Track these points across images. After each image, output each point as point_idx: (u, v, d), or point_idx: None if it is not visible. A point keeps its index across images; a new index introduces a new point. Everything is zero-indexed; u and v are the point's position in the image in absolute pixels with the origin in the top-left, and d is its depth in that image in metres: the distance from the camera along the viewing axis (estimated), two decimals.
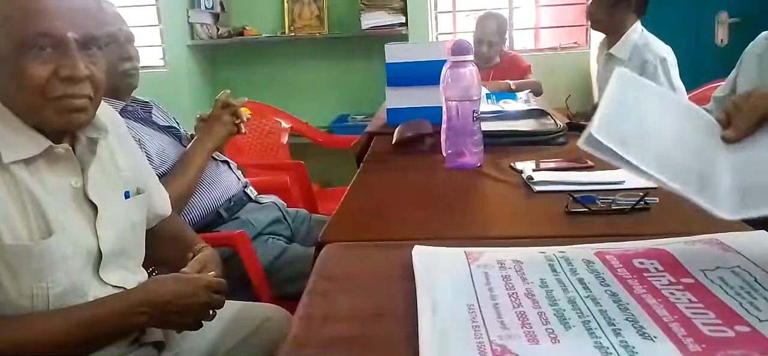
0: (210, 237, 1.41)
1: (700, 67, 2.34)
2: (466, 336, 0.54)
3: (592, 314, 0.57)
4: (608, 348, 0.51)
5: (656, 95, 0.77)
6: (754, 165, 0.67)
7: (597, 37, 3.28)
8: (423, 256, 0.75)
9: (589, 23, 2.43)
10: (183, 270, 1.04)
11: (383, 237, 0.95)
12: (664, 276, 0.64)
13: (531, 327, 0.55)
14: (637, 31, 2.36)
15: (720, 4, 3.11)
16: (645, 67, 2.27)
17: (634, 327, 0.54)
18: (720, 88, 2.06)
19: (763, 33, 1.89)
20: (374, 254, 0.86)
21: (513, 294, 0.62)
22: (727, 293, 0.59)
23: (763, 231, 0.75)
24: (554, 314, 0.57)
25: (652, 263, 0.67)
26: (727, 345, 0.50)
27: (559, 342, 0.53)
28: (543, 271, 0.67)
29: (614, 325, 0.55)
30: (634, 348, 0.50)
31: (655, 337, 0.52)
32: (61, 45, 0.89)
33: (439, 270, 0.69)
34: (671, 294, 0.60)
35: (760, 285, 0.60)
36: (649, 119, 0.69)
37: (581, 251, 0.71)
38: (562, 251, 0.72)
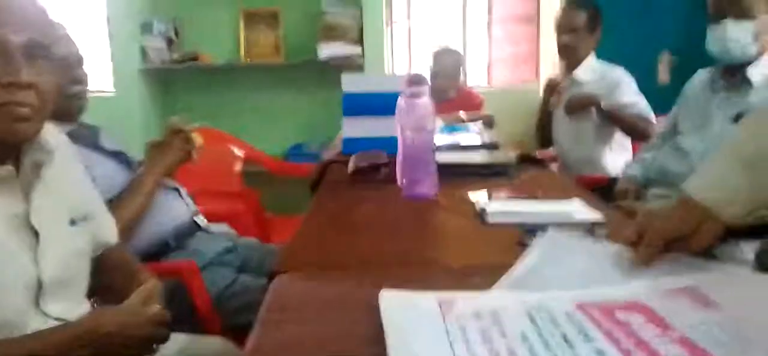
0: (156, 267, 1.36)
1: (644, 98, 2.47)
2: None
3: None
4: None
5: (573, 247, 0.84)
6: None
7: (545, 74, 3.40)
8: (392, 303, 0.70)
9: (561, 53, 2.54)
10: (126, 301, 1.00)
11: (338, 267, 0.94)
12: (649, 328, 0.62)
13: None
14: (594, 57, 2.52)
15: (662, 45, 3.27)
16: (614, 82, 2.40)
17: None
18: (663, 122, 2.15)
19: (700, 70, 2.00)
20: (328, 284, 0.85)
21: (492, 351, 0.59)
22: (717, 347, 0.58)
23: (743, 271, 0.76)
24: None
25: (635, 319, 0.65)
26: None
27: None
28: (522, 324, 0.64)
29: None
30: None
31: None
32: (3, 50, 0.85)
33: (410, 324, 0.65)
34: (660, 347, 0.58)
35: (746, 336, 0.59)
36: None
37: (560, 303, 0.69)
38: (540, 301, 0.69)
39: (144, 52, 3.40)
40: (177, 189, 1.68)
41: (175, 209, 1.62)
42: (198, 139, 1.64)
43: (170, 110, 3.36)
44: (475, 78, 3.82)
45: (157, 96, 3.54)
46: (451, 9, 3.75)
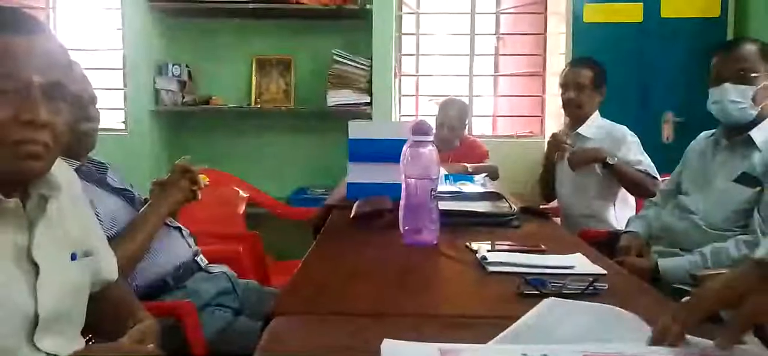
0: (155, 306, 1.36)
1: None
2: None
3: None
4: None
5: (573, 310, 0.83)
6: None
7: (551, 127, 3.42)
8: (394, 353, 0.69)
9: (567, 109, 2.58)
10: (121, 339, 0.99)
11: (336, 311, 0.93)
12: None
13: None
14: (598, 114, 2.55)
15: (666, 106, 3.30)
16: (619, 139, 2.43)
17: None
18: (666, 182, 2.16)
19: (704, 133, 2.02)
20: (325, 328, 0.85)
21: None
22: None
23: (751, 342, 0.74)
24: None
25: None
26: None
27: None
28: None
29: None
30: None
31: None
32: (25, 89, 0.87)
33: None
34: None
35: None
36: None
37: (567, 354, 0.69)
38: (545, 354, 0.69)
39: (157, 94, 3.46)
40: (179, 228, 1.69)
41: (176, 248, 1.62)
42: (204, 179, 1.66)
43: (180, 150, 3.38)
44: (480, 129, 3.85)
45: (168, 137, 3.58)
46: (458, 61, 3.81)
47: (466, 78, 3.80)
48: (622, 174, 2.36)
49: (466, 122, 3.28)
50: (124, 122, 3.55)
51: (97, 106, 1.53)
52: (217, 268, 1.70)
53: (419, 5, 3.84)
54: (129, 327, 1.03)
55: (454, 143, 3.12)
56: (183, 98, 3.47)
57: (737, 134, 1.83)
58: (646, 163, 2.36)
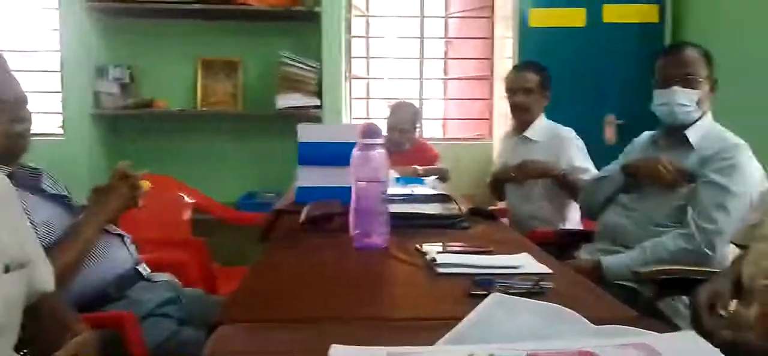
0: (94, 317, 1.30)
1: (592, 162, 2.56)
2: None
3: None
4: None
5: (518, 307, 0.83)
6: None
7: (499, 130, 3.49)
8: None
9: (514, 112, 2.63)
10: (57, 353, 0.95)
11: (283, 318, 0.91)
12: None
13: None
14: (544, 117, 2.62)
15: (608, 108, 3.41)
16: (564, 141, 2.50)
17: None
18: (603, 170, 2.21)
19: (644, 133, 2.10)
20: (272, 335, 0.83)
21: None
22: None
23: (690, 332, 0.76)
24: None
25: None
26: None
27: None
28: None
29: None
30: None
31: None
32: None
33: None
34: None
35: None
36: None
37: (512, 353, 0.69)
38: (492, 353, 0.69)
39: (97, 97, 3.33)
40: (121, 236, 1.63)
41: (117, 256, 1.56)
42: (146, 184, 1.60)
43: (121, 155, 3.26)
44: (430, 132, 3.88)
45: (109, 141, 3.45)
46: (408, 65, 3.83)
47: (417, 81, 3.82)
48: (571, 186, 2.42)
49: (417, 124, 3.30)
50: (61, 127, 3.40)
51: (28, 107, 1.45)
52: (160, 277, 1.65)
53: (369, 8, 3.84)
54: (65, 340, 0.98)
55: (405, 145, 3.13)
56: (124, 100, 3.36)
57: (675, 133, 1.91)
58: (592, 171, 2.43)
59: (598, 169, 2.40)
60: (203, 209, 2.93)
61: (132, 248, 1.65)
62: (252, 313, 0.94)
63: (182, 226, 2.78)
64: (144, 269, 1.63)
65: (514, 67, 2.78)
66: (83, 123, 3.28)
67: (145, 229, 2.47)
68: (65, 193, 1.58)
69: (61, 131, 3.39)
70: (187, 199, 2.86)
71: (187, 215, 2.83)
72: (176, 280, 1.68)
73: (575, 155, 2.48)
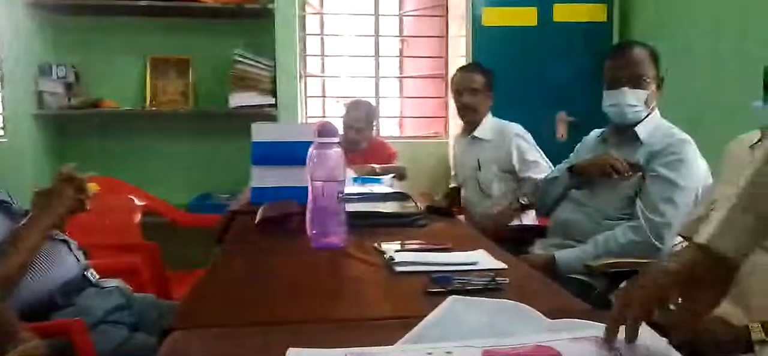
0: (40, 326, 1.25)
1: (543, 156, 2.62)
2: None
3: None
4: None
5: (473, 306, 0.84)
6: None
7: (455, 129, 3.52)
8: None
9: (462, 113, 2.68)
10: None
11: (239, 322, 0.89)
12: None
13: None
14: (491, 115, 2.68)
15: (559, 106, 3.49)
16: (513, 139, 2.56)
17: None
18: (554, 170, 2.26)
19: (594, 131, 2.15)
20: (227, 340, 0.81)
21: None
22: None
23: (644, 328, 0.76)
24: None
25: None
26: None
27: None
28: None
29: None
30: None
31: None
32: None
33: None
34: None
35: None
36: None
37: (468, 352, 0.69)
38: (449, 352, 0.70)
39: (40, 97, 3.19)
40: (66, 241, 1.56)
41: (63, 263, 1.51)
42: (93, 187, 1.54)
43: (67, 157, 3.15)
44: (387, 130, 3.89)
45: (53, 143, 3.32)
46: (364, 63, 3.82)
47: (372, 80, 3.82)
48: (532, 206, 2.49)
49: (374, 123, 3.29)
50: (2, 128, 3.25)
51: None
52: (110, 282, 1.60)
53: (322, 5, 3.81)
54: (8, 351, 0.94)
55: (362, 144, 3.12)
56: (70, 100, 3.23)
57: (624, 130, 1.96)
58: (543, 167, 2.50)
59: (550, 165, 2.46)
60: (154, 212, 2.85)
61: (79, 253, 1.59)
62: (206, 318, 0.91)
63: (133, 230, 2.70)
64: (92, 275, 1.58)
65: (460, 69, 2.83)
66: (25, 124, 3.14)
67: (94, 234, 2.39)
68: (6, 198, 1.52)
69: (1, 133, 3.24)
70: (137, 202, 2.78)
71: (137, 218, 2.75)
72: (127, 286, 1.63)
73: (525, 149, 2.55)
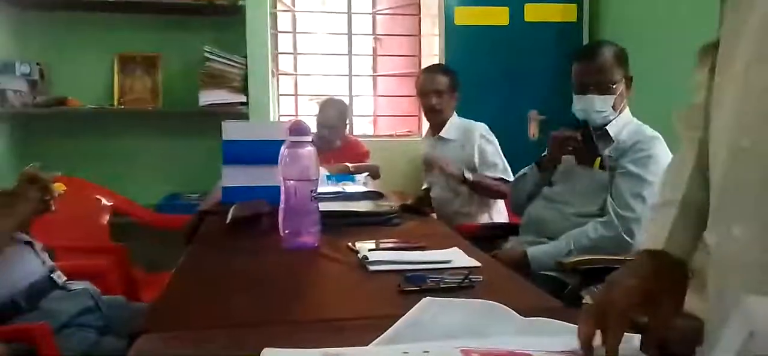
0: (3, 330, 1.21)
1: (516, 156, 2.64)
2: None
3: None
4: None
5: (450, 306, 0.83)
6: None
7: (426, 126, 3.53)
8: None
9: (428, 114, 2.74)
10: None
11: (211, 324, 0.88)
12: None
13: None
14: (456, 115, 2.74)
15: (531, 104, 3.53)
16: (478, 139, 2.63)
17: None
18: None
19: (563, 127, 2.18)
20: (199, 343, 0.79)
21: None
22: None
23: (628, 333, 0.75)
24: None
25: None
26: None
27: None
28: None
29: None
30: None
31: None
32: None
33: None
34: None
35: None
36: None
37: (445, 351, 0.69)
38: (426, 351, 0.69)
39: (2, 95, 3.09)
40: (31, 243, 1.52)
41: (27, 265, 1.46)
42: (59, 187, 1.50)
43: (31, 157, 3.04)
44: (361, 129, 3.88)
45: (16, 142, 3.22)
46: (337, 61, 3.80)
47: (346, 78, 3.80)
48: (481, 188, 2.59)
49: (347, 121, 3.28)
50: None
51: None
52: (77, 285, 1.56)
53: (294, 3, 3.78)
54: None
55: (335, 143, 3.11)
56: (34, 98, 3.14)
57: (596, 130, 1.99)
58: (501, 167, 2.58)
59: (522, 163, 2.47)
60: (123, 213, 2.79)
61: (44, 255, 1.55)
62: (177, 320, 0.89)
63: (100, 231, 2.64)
64: (59, 277, 1.53)
65: (424, 70, 2.86)
66: None
67: (61, 235, 2.33)
68: None
69: None
70: (105, 202, 2.72)
71: (105, 219, 2.69)
72: (95, 288, 1.59)
73: (485, 149, 2.63)
